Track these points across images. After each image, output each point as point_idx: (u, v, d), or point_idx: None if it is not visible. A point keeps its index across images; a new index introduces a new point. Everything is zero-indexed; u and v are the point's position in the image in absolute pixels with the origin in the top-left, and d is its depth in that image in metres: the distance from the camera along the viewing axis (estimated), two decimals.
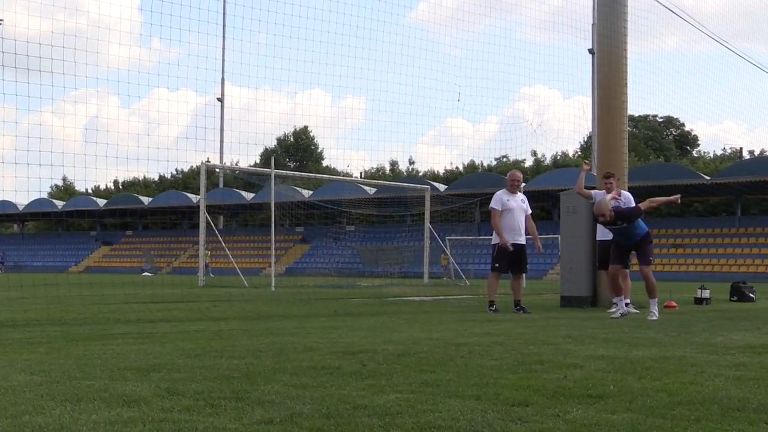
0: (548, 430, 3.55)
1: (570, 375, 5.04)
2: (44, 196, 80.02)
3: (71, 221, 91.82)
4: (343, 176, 69.76)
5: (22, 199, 76.51)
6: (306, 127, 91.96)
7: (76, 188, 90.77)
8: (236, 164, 53.12)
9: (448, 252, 39.50)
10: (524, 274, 13.54)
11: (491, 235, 13.51)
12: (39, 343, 7.22)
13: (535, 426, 3.61)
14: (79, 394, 4.27)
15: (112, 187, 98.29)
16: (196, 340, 7.45)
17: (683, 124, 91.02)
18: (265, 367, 5.33)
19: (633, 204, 13.58)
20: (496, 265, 13.03)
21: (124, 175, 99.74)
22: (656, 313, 11.28)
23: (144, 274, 55.66)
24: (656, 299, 11.56)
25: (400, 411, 3.89)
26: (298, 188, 53.69)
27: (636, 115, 79.40)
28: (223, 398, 4.16)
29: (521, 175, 13.57)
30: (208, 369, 5.26)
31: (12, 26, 13.46)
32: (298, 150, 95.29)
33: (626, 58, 15.80)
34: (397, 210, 45.20)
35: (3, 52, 12.04)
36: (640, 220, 11.77)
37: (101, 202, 76.59)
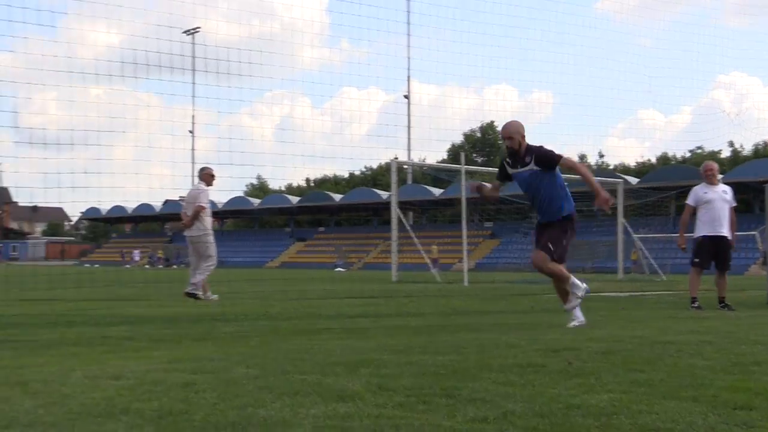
0: None
1: None
2: (241, 194, 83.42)
3: (266, 218, 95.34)
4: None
5: (221, 198, 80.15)
6: (492, 122, 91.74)
7: (270, 186, 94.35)
8: (423, 160, 53.54)
9: (640, 246, 38.48)
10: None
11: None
12: (250, 337, 7.53)
13: None
14: (294, 388, 4.41)
15: (304, 185, 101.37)
16: (397, 336, 7.56)
17: None
18: (470, 364, 5.34)
19: None
20: (696, 260, 12.62)
21: (316, 172, 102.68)
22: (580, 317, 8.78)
23: (337, 269, 57.08)
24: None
25: (615, 411, 3.81)
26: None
27: None
28: (434, 395, 4.19)
29: (715, 165, 12.99)
30: (414, 365, 5.32)
31: (212, 33, 14.11)
32: (485, 145, 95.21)
33: None
34: (588, 204, 44.36)
35: (205, 59, 12.61)
36: (566, 194, 8.83)
37: (294, 199, 79.13)
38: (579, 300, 8.76)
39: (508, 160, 8.84)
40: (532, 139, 8.73)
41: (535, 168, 8.55)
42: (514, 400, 4.07)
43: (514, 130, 8.63)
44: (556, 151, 8.60)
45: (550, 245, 8.60)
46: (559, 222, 8.69)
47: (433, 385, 4.47)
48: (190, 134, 72.34)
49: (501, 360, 5.55)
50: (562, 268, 8.68)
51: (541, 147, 8.68)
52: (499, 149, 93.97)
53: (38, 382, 4.59)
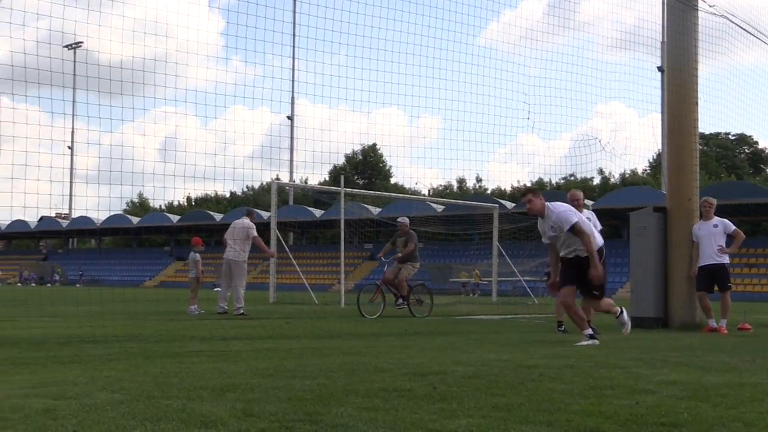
0: None
1: (642, 401, 5.02)
2: (120, 212, 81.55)
3: (146, 237, 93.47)
4: (411, 194, 69.87)
5: (99, 215, 78.27)
6: (374, 145, 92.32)
7: (151, 205, 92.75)
8: (305, 181, 53.60)
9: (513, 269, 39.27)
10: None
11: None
12: (118, 360, 7.41)
13: None
14: (158, 413, 4.38)
15: (185, 204, 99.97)
16: (268, 359, 7.57)
17: (757, 142, 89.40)
18: (337, 389, 5.40)
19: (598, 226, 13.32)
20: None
21: (197, 192, 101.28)
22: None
23: (216, 289, 56.34)
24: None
25: None
26: (366, 205, 53.97)
27: (707, 132, 78.14)
28: (297, 421, 4.23)
29: (580, 193, 13.52)
30: (281, 390, 5.34)
31: (105, 52, 13.92)
32: (366, 167, 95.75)
33: (696, 76, 15.64)
34: (464, 228, 45.19)
35: (87, 76, 12.42)
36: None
37: (174, 218, 77.89)
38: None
39: None
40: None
41: None
42: (375, 425, 4.14)
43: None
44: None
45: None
46: None
47: (298, 411, 4.51)
48: (69, 150, 70.49)
49: (368, 384, 5.62)
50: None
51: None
52: (380, 172, 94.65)
53: None
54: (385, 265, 18.87)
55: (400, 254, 18.34)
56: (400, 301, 18.12)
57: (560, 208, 10.64)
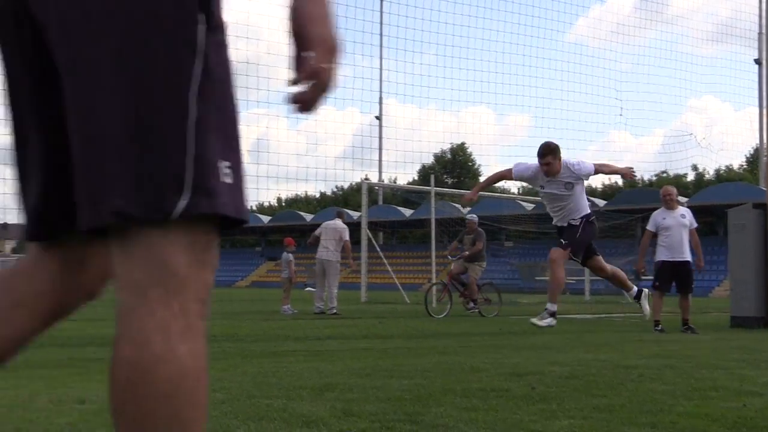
0: None
1: (749, 403, 4.88)
2: None
3: (237, 238, 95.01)
4: (501, 193, 69.47)
5: None
6: (463, 144, 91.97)
7: None
8: (395, 181, 53.85)
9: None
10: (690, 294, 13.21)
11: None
12: (216, 360, 7.53)
13: None
14: (259, 413, 4.44)
15: (276, 204, 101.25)
16: (364, 359, 7.61)
17: None
18: (435, 389, 5.40)
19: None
20: (656, 283, 12.90)
21: (288, 192, 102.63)
22: None
23: (307, 289, 56.95)
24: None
25: None
26: (456, 204, 53.84)
27: None
28: (398, 420, 4.23)
29: (673, 189, 13.28)
30: (379, 389, 5.36)
31: None
32: (455, 166, 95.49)
33: None
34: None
35: None
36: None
37: (265, 218, 78.97)
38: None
39: None
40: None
41: None
42: (476, 425, 4.12)
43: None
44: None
45: None
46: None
47: (397, 411, 4.51)
48: None
49: (465, 384, 5.61)
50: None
51: None
52: (469, 171, 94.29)
53: (2, 407, 4.59)
54: (452, 263, 18.89)
55: (467, 252, 18.23)
56: (471, 305, 18.06)
57: (576, 160, 11.53)
